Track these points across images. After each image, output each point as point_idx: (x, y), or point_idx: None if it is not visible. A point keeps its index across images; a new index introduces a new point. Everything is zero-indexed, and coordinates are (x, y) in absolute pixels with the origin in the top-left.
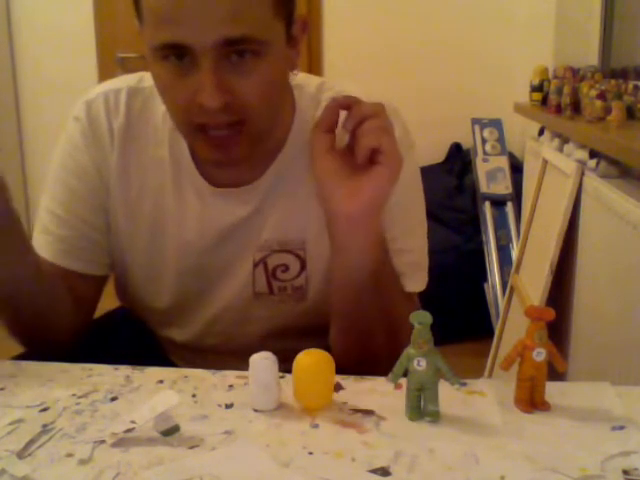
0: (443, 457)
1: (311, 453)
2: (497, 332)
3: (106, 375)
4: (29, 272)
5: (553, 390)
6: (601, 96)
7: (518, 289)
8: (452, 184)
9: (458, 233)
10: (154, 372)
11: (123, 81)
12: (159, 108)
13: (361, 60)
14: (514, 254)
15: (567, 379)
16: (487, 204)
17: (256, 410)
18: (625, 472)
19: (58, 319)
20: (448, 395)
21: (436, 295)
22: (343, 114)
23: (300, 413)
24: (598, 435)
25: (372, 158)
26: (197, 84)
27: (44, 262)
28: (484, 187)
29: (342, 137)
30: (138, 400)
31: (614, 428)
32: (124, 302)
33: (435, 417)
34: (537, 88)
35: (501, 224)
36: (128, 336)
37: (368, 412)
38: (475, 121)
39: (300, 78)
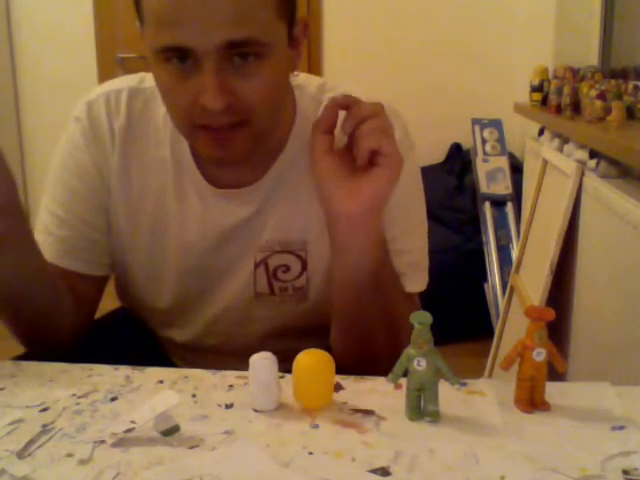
0: (443, 457)
1: (311, 453)
2: (497, 332)
3: (106, 375)
4: (31, 271)
5: (553, 390)
6: (601, 96)
7: (518, 289)
8: (452, 184)
9: (458, 233)
10: (154, 372)
11: (124, 82)
12: (160, 109)
13: (361, 60)
14: (514, 254)
15: (567, 379)
16: (487, 204)
17: (256, 410)
18: (625, 472)
19: (59, 319)
20: (448, 395)
21: (436, 295)
22: (342, 114)
23: (300, 413)
24: (598, 435)
25: (372, 160)
26: (199, 86)
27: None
28: (484, 187)
29: (341, 137)
30: (138, 400)
31: (614, 428)
32: (125, 302)
33: (435, 417)
34: (537, 88)
35: (501, 224)
36: (128, 336)
37: (368, 412)
38: (475, 121)
39: (301, 79)
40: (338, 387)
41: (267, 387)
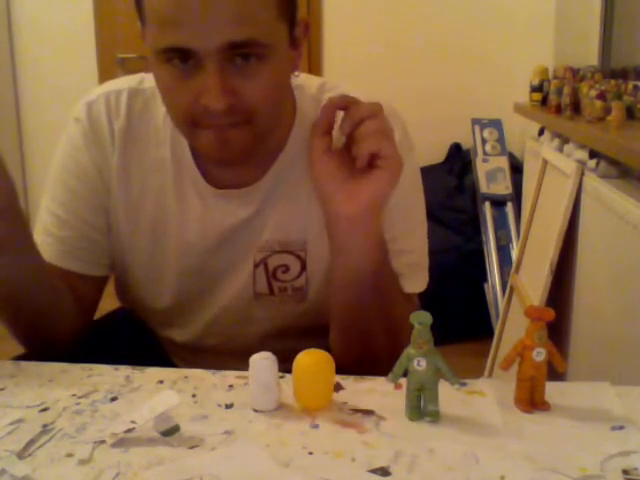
0: (443, 457)
1: (311, 453)
2: (497, 332)
3: (106, 375)
4: (31, 273)
5: (553, 390)
6: (601, 96)
7: (518, 289)
8: (452, 184)
9: (458, 233)
10: (154, 372)
11: (124, 82)
12: (160, 109)
13: (361, 60)
14: (514, 254)
15: (567, 379)
16: (487, 204)
17: (256, 410)
18: (625, 472)
19: (59, 319)
20: (448, 395)
21: (436, 295)
22: (340, 114)
23: (300, 413)
24: (598, 435)
25: (371, 161)
26: (201, 86)
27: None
28: (484, 187)
29: (339, 137)
30: (138, 400)
31: (614, 428)
32: (124, 302)
33: (435, 417)
34: (537, 88)
35: (501, 224)
36: (128, 336)
37: (368, 412)
38: (475, 121)
39: (301, 79)
40: (338, 387)
41: (267, 387)
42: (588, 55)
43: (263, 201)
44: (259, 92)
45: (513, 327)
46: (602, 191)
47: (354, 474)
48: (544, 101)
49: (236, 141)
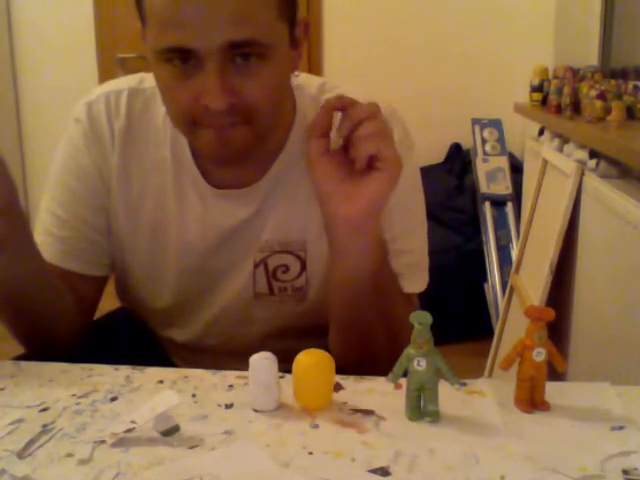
0: (443, 457)
1: (311, 453)
2: (497, 332)
3: (106, 375)
4: (31, 273)
5: (553, 390)
6: (601, 96)
7: (518, 289)
8: (452, 184)
9: (458, 233)
10: (154, 372)
11: (124, 82)
12: (160, 109)
13: (361, 60)
14: (514, 254)
15: (567, 379)
16: (487, 204)
17: (256, 410)
18: (625, 472)
19: (59, 319)
20: (448, 395)
21: (436, 295)
22: (338, 115)
23: (300, 413)
24: (598, 435)
25: (370, 163)
26: (201, 86)
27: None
28: (484, 187)
29: (337, 139)
30: (138, 400)
31: (614, 428)
32: (124, 302)
33: (435, 417)
34: (537, 88)
35: (501, 224)
36: (128, 336)
37: (368, 412)
38: (475, 121)
39: (301, 79)
40: (338, 387)
41: (267, 387)
42: (588, 55)
43: (263, 201)
44: (259, 92)
45: (513, 327)
46: (602, 191)
47: (354, 474)
48: (544, 101)
49: (236, 141)
